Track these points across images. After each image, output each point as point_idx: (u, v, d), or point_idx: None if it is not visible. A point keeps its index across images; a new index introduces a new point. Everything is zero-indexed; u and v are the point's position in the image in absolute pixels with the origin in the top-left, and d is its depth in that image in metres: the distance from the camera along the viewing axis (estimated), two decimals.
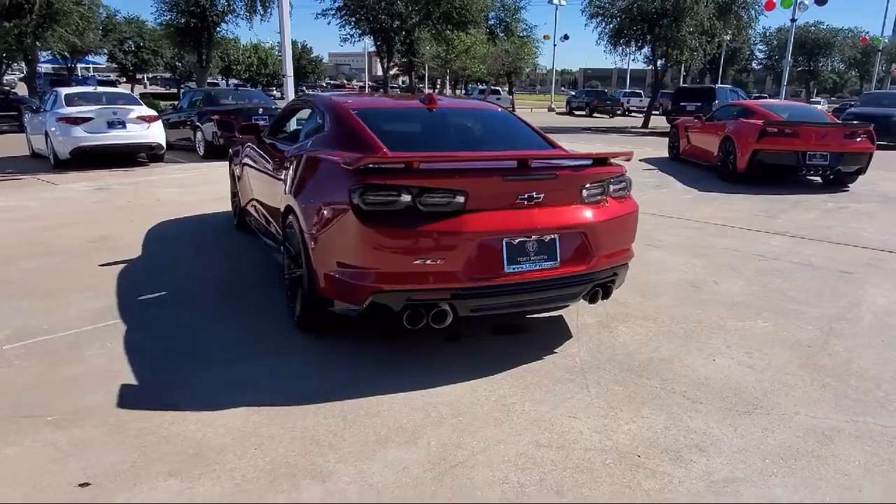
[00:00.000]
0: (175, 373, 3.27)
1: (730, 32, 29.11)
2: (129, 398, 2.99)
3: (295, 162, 3.94)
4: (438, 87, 32.43)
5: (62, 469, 2.44)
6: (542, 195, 3.23)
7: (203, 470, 2.46)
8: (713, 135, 10.89)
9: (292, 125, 5.36)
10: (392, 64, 45.05)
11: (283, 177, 4.12)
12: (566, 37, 49.92)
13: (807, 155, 9.35)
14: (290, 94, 12.32)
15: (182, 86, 41.27)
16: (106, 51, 39.99)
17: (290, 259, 3.92)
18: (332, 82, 78.86)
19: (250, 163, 5.34)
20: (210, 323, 3.96)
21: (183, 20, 25.13)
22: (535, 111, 39.22)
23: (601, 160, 3.48)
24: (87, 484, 2.35)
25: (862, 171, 9.78)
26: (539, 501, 2.32)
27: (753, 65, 60.97)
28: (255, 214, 5.30)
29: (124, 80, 46.91)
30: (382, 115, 3.96)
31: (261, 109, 13.20)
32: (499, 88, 39.83)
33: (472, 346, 3.67)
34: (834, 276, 5.20)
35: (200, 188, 8.94)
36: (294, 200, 3.64)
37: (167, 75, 55.93)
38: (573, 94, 47.59)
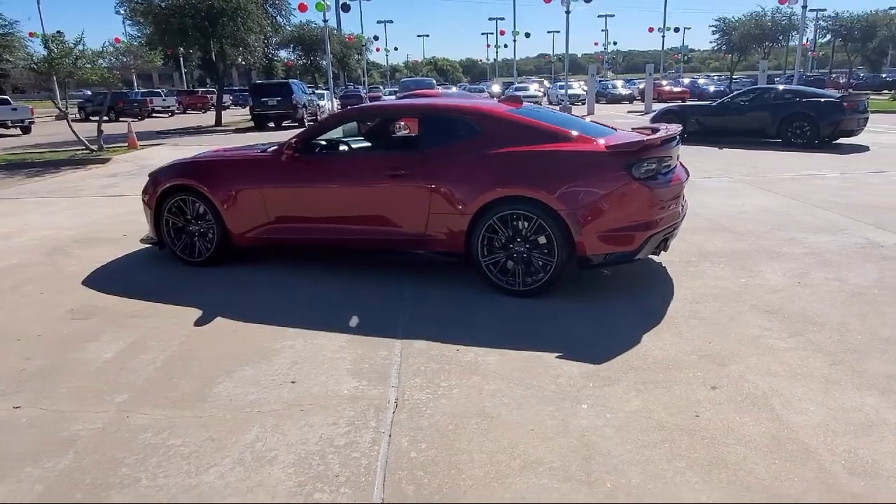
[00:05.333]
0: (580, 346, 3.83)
1: (271, 31, 31.47)
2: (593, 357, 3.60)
3: (492, 161, 4.48)
4: None
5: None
6: (676, 160, 4.97)
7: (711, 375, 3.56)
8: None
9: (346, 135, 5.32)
10: None
11: (445, 180, 4.58)
12: (60, 33, 43.98)
13: None
14: None
15: None
16: None
17: (486, 245, 4.55)
18: None
19: (305, 180, 5.12)
20: (469, 333, 4.27)
21: None
22: (45, 121, 33.87)
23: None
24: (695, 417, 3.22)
25: None
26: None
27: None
28: (320, 232, 5.11)
29: None
30: (526, 114, 4.83)
31: None
32: (8, 98, 32.65)
33: (640, 275, 5.10)
34: None
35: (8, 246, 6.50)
36: (533, 190, 4.30)
37: None
38: (87, 97, 42.48)
